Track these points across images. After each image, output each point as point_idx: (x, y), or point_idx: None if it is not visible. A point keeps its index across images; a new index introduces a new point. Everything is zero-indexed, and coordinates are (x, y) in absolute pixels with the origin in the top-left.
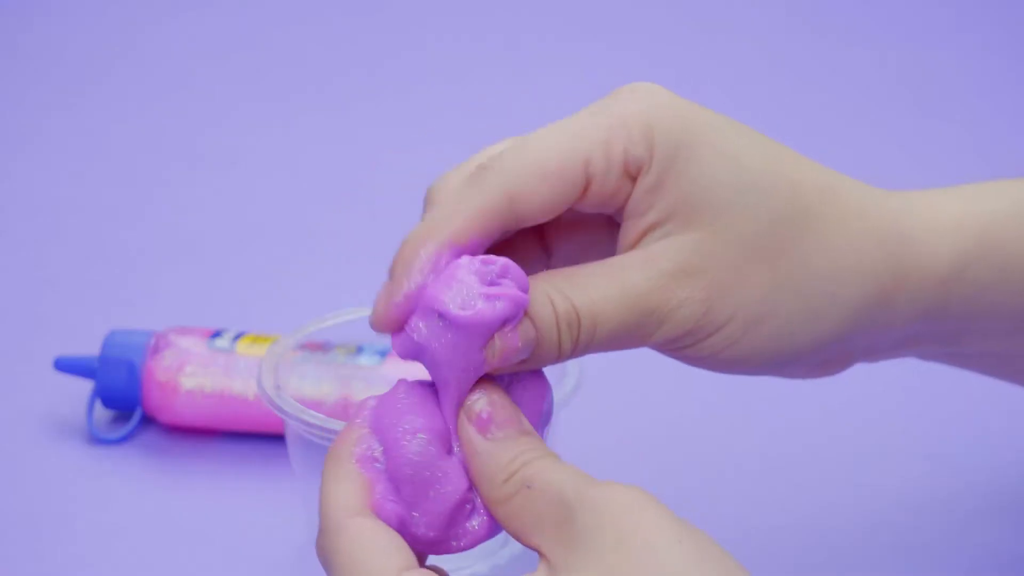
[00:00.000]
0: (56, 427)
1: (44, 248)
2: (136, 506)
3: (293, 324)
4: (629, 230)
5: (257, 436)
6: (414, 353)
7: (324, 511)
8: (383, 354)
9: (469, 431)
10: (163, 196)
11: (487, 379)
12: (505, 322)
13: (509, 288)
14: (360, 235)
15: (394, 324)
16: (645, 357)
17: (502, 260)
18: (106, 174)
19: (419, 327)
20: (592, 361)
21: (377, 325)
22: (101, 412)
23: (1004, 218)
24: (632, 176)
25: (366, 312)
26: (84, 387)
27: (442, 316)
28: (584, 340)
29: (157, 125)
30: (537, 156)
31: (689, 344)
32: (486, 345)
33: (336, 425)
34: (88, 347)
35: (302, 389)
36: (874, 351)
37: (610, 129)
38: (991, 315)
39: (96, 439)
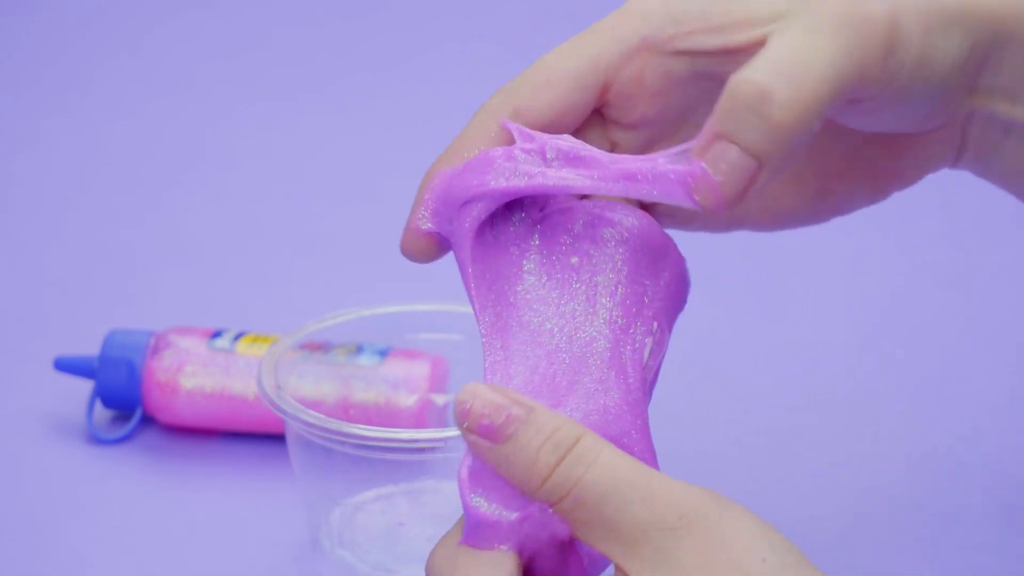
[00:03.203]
0: (56, 427)
1: (44, 248)
2: (136, 506)
3: (293, 324)
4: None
5: (257, 436)
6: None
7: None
8: (383, 354)
9: (478, 444)
10: (163, 196)
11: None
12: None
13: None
14: (360, 235)
15: (418, 242)
16: None
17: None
18: (106, 174)
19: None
20: None
21: (405, 248)
22: (101, 412)
23: None
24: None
25: (366, 312)
26: (84, 387)
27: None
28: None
29: (158, 125)
30: (542, 67)
31: None
32: None
33: (335, 425)
34: (88, 347)
35: (302, 389)
36: (967, 136)
37: (617, 20)
38: None
39: (96, 439)
